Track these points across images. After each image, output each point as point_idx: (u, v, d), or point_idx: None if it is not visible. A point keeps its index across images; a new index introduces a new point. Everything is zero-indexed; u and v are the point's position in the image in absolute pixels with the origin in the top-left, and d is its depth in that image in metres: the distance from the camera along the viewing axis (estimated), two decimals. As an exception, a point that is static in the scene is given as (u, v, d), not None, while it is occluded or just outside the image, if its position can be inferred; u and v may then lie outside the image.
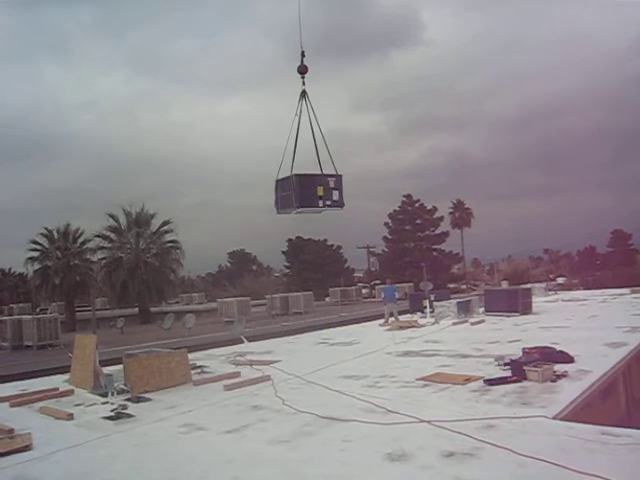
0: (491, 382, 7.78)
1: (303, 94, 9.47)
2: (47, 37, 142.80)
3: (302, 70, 9.50)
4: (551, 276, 60.87)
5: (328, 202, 9.06)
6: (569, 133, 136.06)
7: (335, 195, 9.10)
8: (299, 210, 9.07)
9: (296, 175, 9.06)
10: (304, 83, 9.43)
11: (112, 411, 7.66)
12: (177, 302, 60.63)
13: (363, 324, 21.43)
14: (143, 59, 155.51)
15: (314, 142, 9.26)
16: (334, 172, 9.35)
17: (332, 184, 9.11)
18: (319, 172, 9.39)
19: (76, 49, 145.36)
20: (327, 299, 55.69)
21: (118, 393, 8.86)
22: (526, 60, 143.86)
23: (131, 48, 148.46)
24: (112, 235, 43.31)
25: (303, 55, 9.43)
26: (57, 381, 10.70)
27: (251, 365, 11.23)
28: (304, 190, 8.93)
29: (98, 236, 42.73)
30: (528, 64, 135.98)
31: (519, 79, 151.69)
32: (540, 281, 38.54)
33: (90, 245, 42.99)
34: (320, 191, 8.96)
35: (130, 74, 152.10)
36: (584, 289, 40.30)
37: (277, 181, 9.52)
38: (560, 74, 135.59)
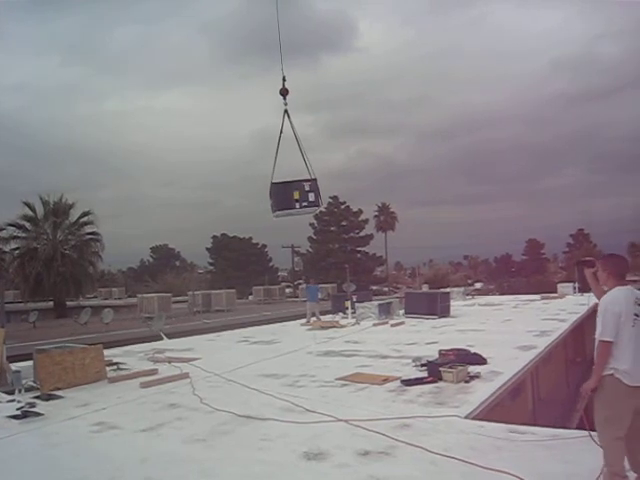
0: (408, 382, 7.97)
1: (285, 113, 10.08)
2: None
3: (283, 92, 10.17)
4: (469, 281, 63.13)
5: (305, 203, 9.73)
6: (492, 145, 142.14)
7: (311, 197, 9.74)
8: (278, 213, 9.86)
9: (273, 184, 9.88)
10: (286, 104, 10.09)
11: (18, 409, 7.27)
12: (95, 296, 58.41)
13: (285, 323, 21.49)
14: (78, 45, 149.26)
15: (300, 152, 10.00)
16: (312, 176, 10.01)
17: (307, 187, 9.79)
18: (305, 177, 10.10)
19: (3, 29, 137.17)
20: (250, 297, 55.47)
21: (26, 390, 8.48)
22: (455, 74, 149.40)
23: (65, 33, 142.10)
24: (27, 224, 41.20)
25: (284, 80, 10.13)
26: (-41, 377, 10.07)
27: (169, 362, 11.01)
28: (281, 196, 9.74)
29: (11, 225, 40.56)
30: (457, 78, 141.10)
31: (447, 92, 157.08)
32: (459, 285, 39.78)
33: (2, 234, 40.73)
34: (296, 195, 9.67)
35: (64, 60, 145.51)
36: (499, 294, 42.22)
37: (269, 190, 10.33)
38: (486, 88, 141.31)
